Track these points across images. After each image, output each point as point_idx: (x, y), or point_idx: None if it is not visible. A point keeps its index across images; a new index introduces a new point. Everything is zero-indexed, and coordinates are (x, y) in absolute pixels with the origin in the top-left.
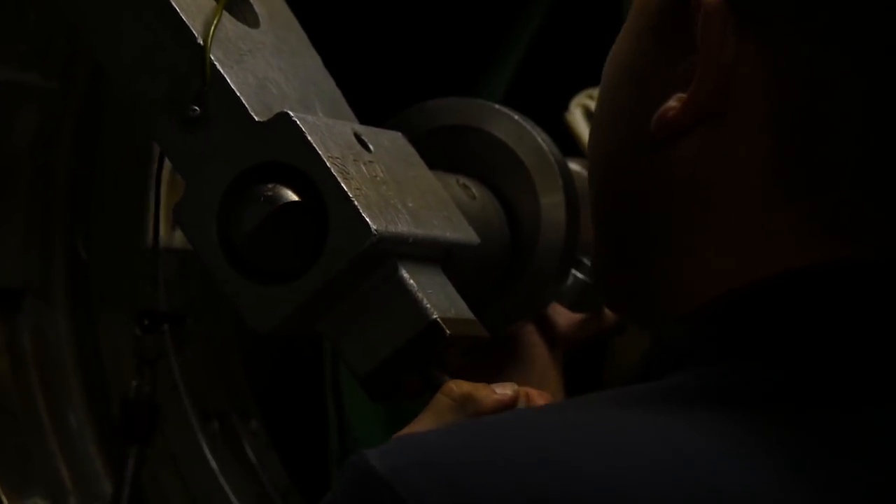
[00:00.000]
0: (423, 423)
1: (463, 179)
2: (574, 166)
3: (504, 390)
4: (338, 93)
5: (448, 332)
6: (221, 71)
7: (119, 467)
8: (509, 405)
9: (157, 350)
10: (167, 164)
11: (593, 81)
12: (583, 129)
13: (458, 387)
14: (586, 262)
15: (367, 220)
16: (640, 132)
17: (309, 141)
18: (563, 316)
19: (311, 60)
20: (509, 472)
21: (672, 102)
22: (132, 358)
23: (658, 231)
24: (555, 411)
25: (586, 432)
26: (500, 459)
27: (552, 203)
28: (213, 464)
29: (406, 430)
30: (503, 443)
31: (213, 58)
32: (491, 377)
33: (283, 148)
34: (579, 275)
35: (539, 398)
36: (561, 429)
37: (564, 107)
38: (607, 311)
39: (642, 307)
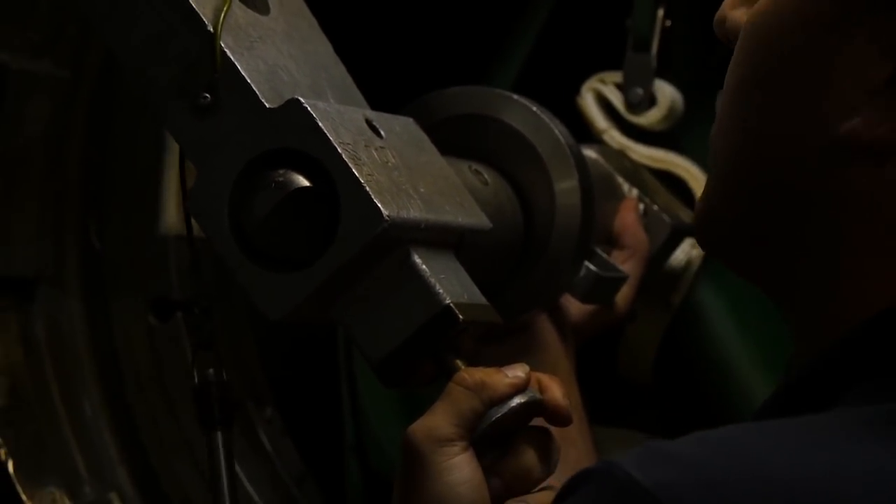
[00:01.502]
0: (440, 412)
1: (475, 165)
2: (590, 153)
3: (516, 372)
4: (349, 79)
5: (461, 317)
6: (232, 58)
7: (138, 455)
8: (522, 388)
9: (210, 334)
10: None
11: (605, 66)
12: (595, 113)
13: (470, 374)
14: (599, 252)
15: (379, 205)
16: (817, 135)
17: (320, 127)
18: (574, 306)
19: (322, 47)
20: (781, 496)
21: (869, 113)
22: (147, 345)
23: (822, 239)
24: (791, 433)
25: (847, 466)
26: (770, 481)
27: (567, 190)
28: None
29: (424, 419)
30: (766, 464)
31: (223, 45)
32: (503, 365)
33: (295, 134)
34: (592, 266)
35: (550, 383)
36: (815, 455)
37: (576, 91)
38: (618, 303)
39: (778, 289)
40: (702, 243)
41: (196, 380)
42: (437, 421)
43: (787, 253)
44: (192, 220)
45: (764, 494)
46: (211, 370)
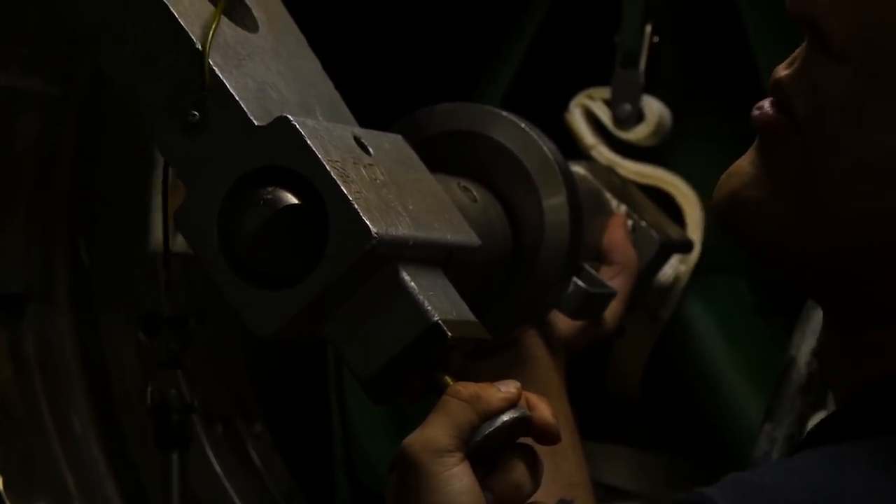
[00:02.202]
0: (436, 424)
1: (464, 182)
2: (578, 169)
3: (508, 388)
4: (337, 96)
5: (450, 333)
6: (220, 76)
7: (126, 471)
8: (514, 402)
9: (171, 353)
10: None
11: (593, 82)
12: (583, 129)
13: (464, 388)
14: (588, 268)
15: (368, 223)
16: None
17: (308, 145)
18: (563, 322)
19: (311, 64)
20: None
21: None
22: (136, 361)
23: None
24: (871, 462)
25: None
26: None
27: (555, 206)
28: (217, 467)
29: (420, 430)
30: (852, 491)
31: (212, 63)
32: (492, 381)
33: (283, 152)
34: (580, 282)
35: (539, 402)
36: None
37: (565, 107)
38: (607, 318)
39: (839, 313)
40: (735, 236)
41: (150, 400)
42: (435, 432)
43: (864, 280)
44: (175, 237)
45: None
46: (173, 390)
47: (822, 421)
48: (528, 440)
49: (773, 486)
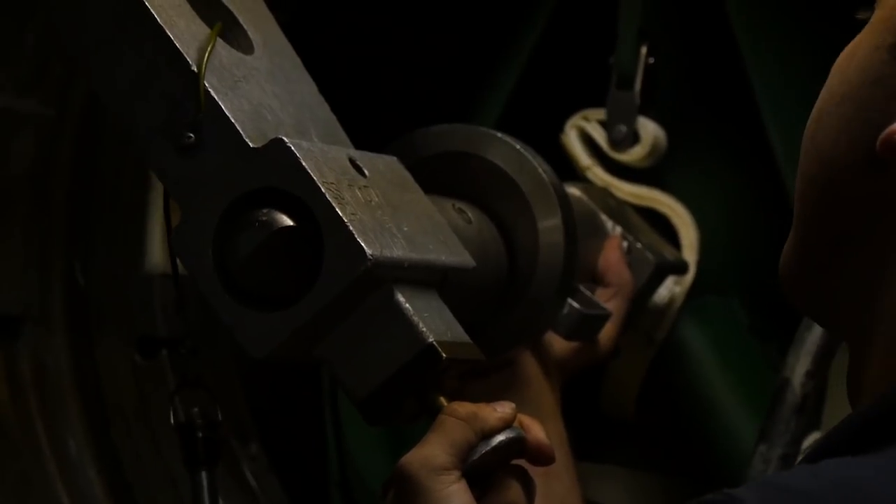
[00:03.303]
0: (434, 442)
1: (459, 204)
2: (573, 191)
3: (504, 409)
4: (333, 118)
5: (444, 355)
6: (216, 97)
7: (122, 492)
8: (510, 422)
9: (196, 373)
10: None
11: (588, 103)
12: (578, 150)
13: (461, 407)
14: (583, 290)
15: (363, 244)
16: (864, 153)
17: (304, 166)
18: (558, 343)
19: (306, 86)
20: None
21: None
22: (132, 382)
23: (876, 256)
24: (888, 468)
25: None
26: None
27: (550, 228)
28: None
29: (419, 449)
30: (880, 497)
31: (207, 84)
32: (487, 402)
33: (278, 174)
34: (575, 304)
35: (532, 423)
36: None
37: (560, 129)
38: (601, 339)
39: (836, 319)
40: (783, 286)
41: (173, 418)
42: (433, 450)
43: (858, 287)
44: (150, 258)
45: None
46: (196, 409)
47: (834, 429)
48: (521, 462)
49: (801, 487)
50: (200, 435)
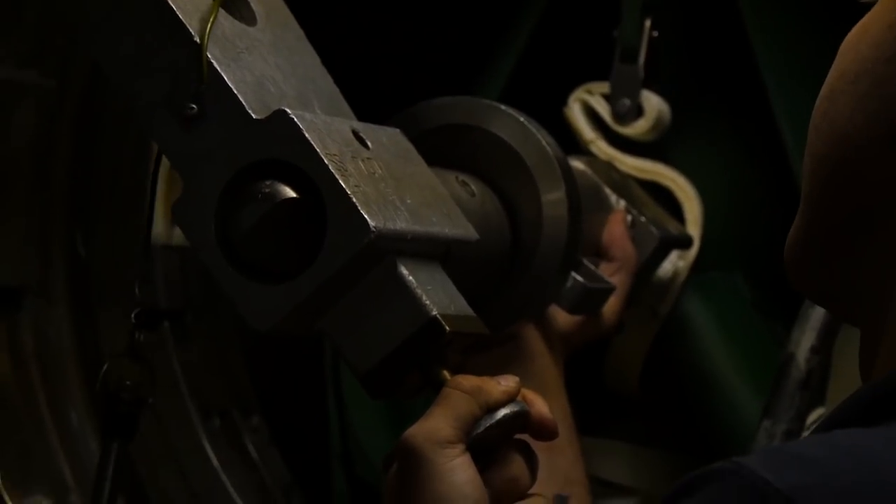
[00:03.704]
0: (439, 415)
1: (462, 176)
2: (577, 164)
3: (508, 382)
4: (336, 90)
5: (448, 328)
6: (218, 69)
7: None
8: (514, 396)
9: (136, 344)
10: (166, 161)
11: (591, 76)
12: (582, 124)
13: (466, 380)
14: (587, 263)
15: (366, 216)
16: (883, 131)
17: (307, 138)
18: (562, 317)
19: (309, 58)
20: None
21: None
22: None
23: (889, 239)
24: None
25: None
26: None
27: (554, 201)
28: (215, 460)
29: (423, 422)
30: (889, 466)
31: (210, 56)
32: (490, 376)
33: (281, 145)
34: (578, 277)
35: (536, 398)
36: None
37: (563, 102)
38: (605, 314)
39: (845, 304)
40: (789, 270)
41: (100, 384)
42: (438, 423)
43: (871, 267)
44: (174, 230)
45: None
46: (129, 382)
47: (844, 402)
48: (524, 436)
49: (811, 455)
50: (122, 407)
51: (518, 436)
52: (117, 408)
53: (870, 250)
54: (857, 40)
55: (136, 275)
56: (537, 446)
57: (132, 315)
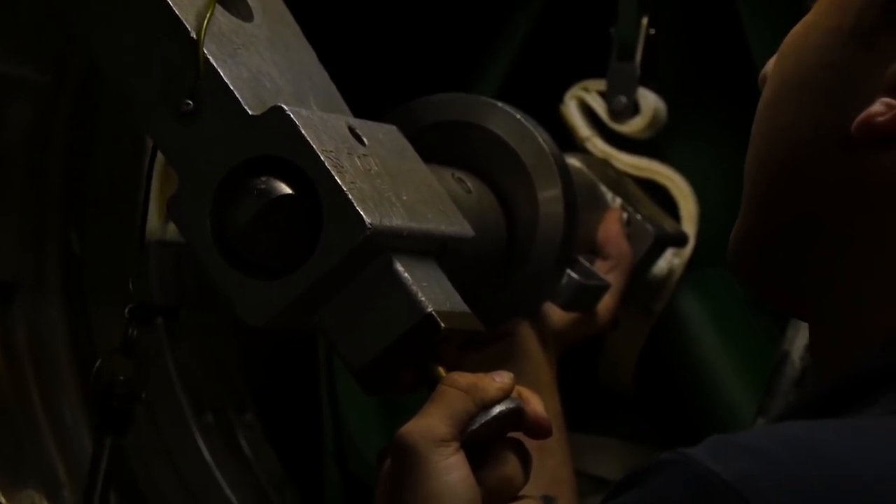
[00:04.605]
0: (434, 413)
1: (458, 173)
2: (573, 162)
3: (503, 379)
4: (332, 87)
5: (443, 325)
6: (215, 65)
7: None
8: (509, 393)
9: (129, 340)
10: (161, 157)
11: (588, 74)
12: (578, 121)
13: (461, 377)
14: (582, 261)
15: (362, 213)
16: (830, 134)
17: (303, 134)
18: (556, 314)
19: (306, 54)
20: (859, 495)
21: (878, 107)
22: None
23: (841, 236)
24: (851, 433)
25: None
26: (848, 479)
27: (550, 198)
28: (208, 456)
29: (418, 419)
30: (842, 462)
31: (206, 52)
32: (484, 372)
33: (277, 141)
34: (574, 274)
35: (531, 395)
36: (883, 455)
37: (560, 99)
38: (600, 311)
39: (799, 303)
40: (735, 271)
41: (93, 379)
42: (433, 421)
43: (820, 266)
44: (168, 226)
45: (844, 493)
46: (122, 377)
47: (800, 397)
48: (518, 434)
49: (758, 445)
50: (115, 403)
51: (511, 434)
52: (110, 403)
53: (818, 250)
54: (800, 44)
55: (131, 271)
56: (527, 445)
57: (126, 311)
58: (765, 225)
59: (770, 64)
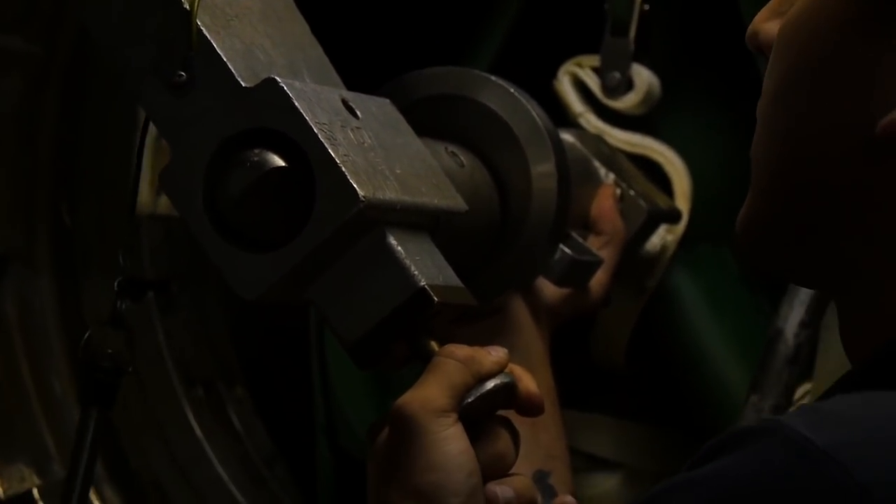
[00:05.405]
0: (432, 384)
1: (452, 147)
2: (567, 137)
3: (499, 353)
4: (325, 59)
5: (436, 299)
6: (208, 36)
7: (107, 434)
8: (504, 366)
9: (118, 313)
10: (153, 130)
11: (582, 49)
12: (571, 97)
13: (459, 349)
14: (575, 236)
15: (355, 186)
16: (850, 134)
17: (296, 107)
18: (549, 290)
19: (299, 27)
20: None
21: None
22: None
23: (864, 238)
24: None
25: None
26: None
27: (544, 173)
28: (198, 431)
29: (416, 391)
30: None
31: (199, 23)
32: (478, 346)
33: (271, 114)
34: (567, 250)
35: (523, 373)
36: None
37: (553, 75)
38: (593, 287)
39: (813, 282)
40: (744, 252)
41: (80, 353)
42: (432, 392)
43: (830, 248)
44: (159, 198)
45: None
46: (110, 350)
47: (842, 378)
48: (508, 412)
49: (859, 417)
50: (100, 375)
51: (501, 412)
52: (96, 375)
53: (840, 241)
54: (804, 38)
55: (121, 244)
56: (521, 421)
57: (115, 284)
58: (779, 213)
59: (760, 23)
